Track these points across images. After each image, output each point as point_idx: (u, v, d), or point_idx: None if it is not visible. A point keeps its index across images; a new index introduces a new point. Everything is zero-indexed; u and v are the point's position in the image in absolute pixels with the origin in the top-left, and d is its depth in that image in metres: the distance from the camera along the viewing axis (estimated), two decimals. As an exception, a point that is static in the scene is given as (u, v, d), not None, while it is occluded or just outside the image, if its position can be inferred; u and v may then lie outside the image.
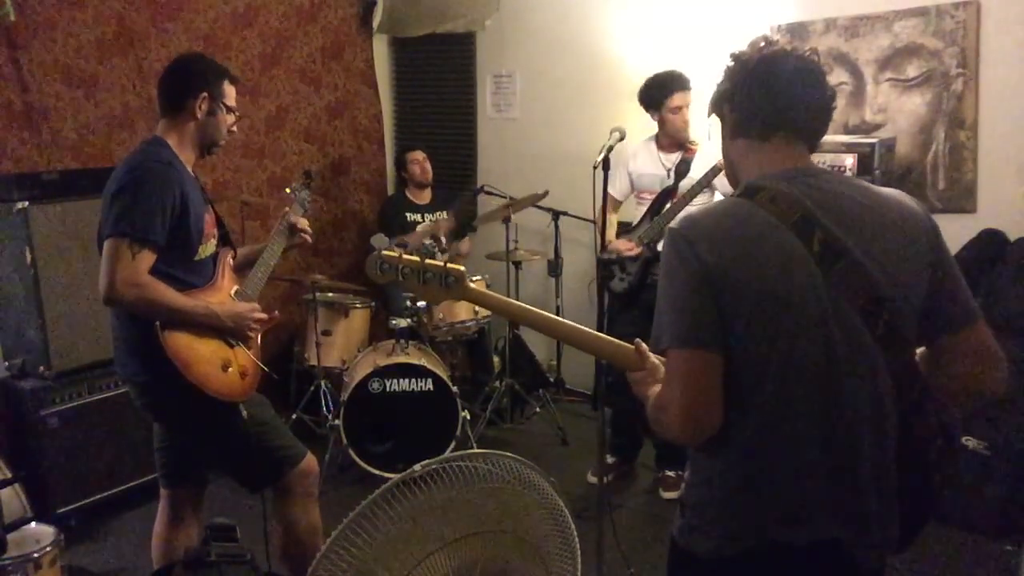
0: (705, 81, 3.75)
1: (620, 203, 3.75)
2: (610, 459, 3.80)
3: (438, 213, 4.79)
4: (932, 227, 1.44)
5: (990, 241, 3.40)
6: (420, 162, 4.79)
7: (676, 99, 3.45)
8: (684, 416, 1.35)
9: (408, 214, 4.76)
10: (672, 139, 3.54)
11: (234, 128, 2.45)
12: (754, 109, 1.44)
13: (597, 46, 4.49)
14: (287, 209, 2.70)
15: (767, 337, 1.34)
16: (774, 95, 1.42)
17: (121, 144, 3.95)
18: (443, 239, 4.27)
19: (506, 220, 4.29)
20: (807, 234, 1.34)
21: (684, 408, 1.35)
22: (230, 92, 2.40)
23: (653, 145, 3.60)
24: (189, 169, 2.34)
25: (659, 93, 3.47)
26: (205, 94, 2.32)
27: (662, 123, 3.53)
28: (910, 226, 1.41)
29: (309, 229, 2.70)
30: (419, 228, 4.64)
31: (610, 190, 3.72)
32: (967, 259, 3.38)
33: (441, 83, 5.32)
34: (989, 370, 1.45)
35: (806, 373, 1.35)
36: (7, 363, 3.48)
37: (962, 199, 3.52)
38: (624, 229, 3.72)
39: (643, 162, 3.60)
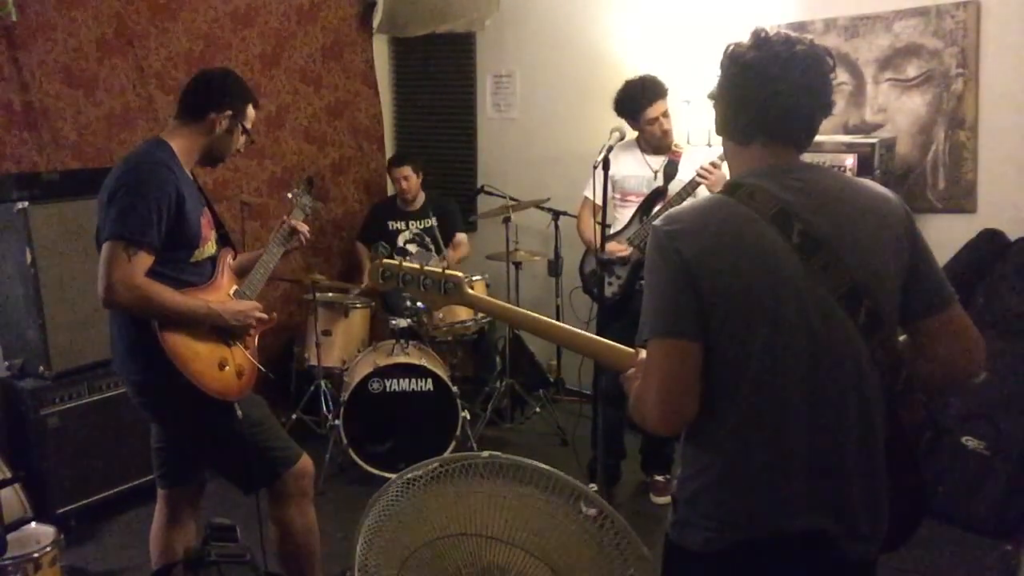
0: (704, 82, 3.76)
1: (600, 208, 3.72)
2: (593, 487, 3.62)
3: (424, 220, 4.64)
4: (906, 214, 1.47)
5: (990, 241, 3.39)
6: (406, 178, 4.66)
7: (650, 111, 3.37)
8: (661, 405, 1.38)
9: (390, 222, 4.70)
10: (655, 147, 3.49)
11: (242, 149, 2.46)
12: (733, 119, 1.47)
13: (597, 46, 4.49)
14: (284, 218, 2.71)
15: (748, 329, 1.36)
16: (751, 108, 1.43)
17: (121, 144, 3.95)
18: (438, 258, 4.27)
19: (506, 220, 4.29)
20: (786, 227, 1.37)
21: (661, 397, 1.38)
22: (251, 116, 2.42)
23: (636, 148, 3.53)
24: (188, 171, 2.34)
25: (632, 105, 3.40)
26: (229, 112, 2.34)
27: (641, 133, 3.47)
28: (886, 214, 1.45)
29: (306, 230, 2.71)
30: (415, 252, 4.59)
31: (589, 195, 3.69)
32: (967, 259, 3.37)
33: (441, 83, 5.31)
34: (967, 351, 1.47)
35: (788, 364, 1.37)
36: (7, 363, 3.49)
37: (962, 199, 3.51)
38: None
39: (626, 165, 3.51)
